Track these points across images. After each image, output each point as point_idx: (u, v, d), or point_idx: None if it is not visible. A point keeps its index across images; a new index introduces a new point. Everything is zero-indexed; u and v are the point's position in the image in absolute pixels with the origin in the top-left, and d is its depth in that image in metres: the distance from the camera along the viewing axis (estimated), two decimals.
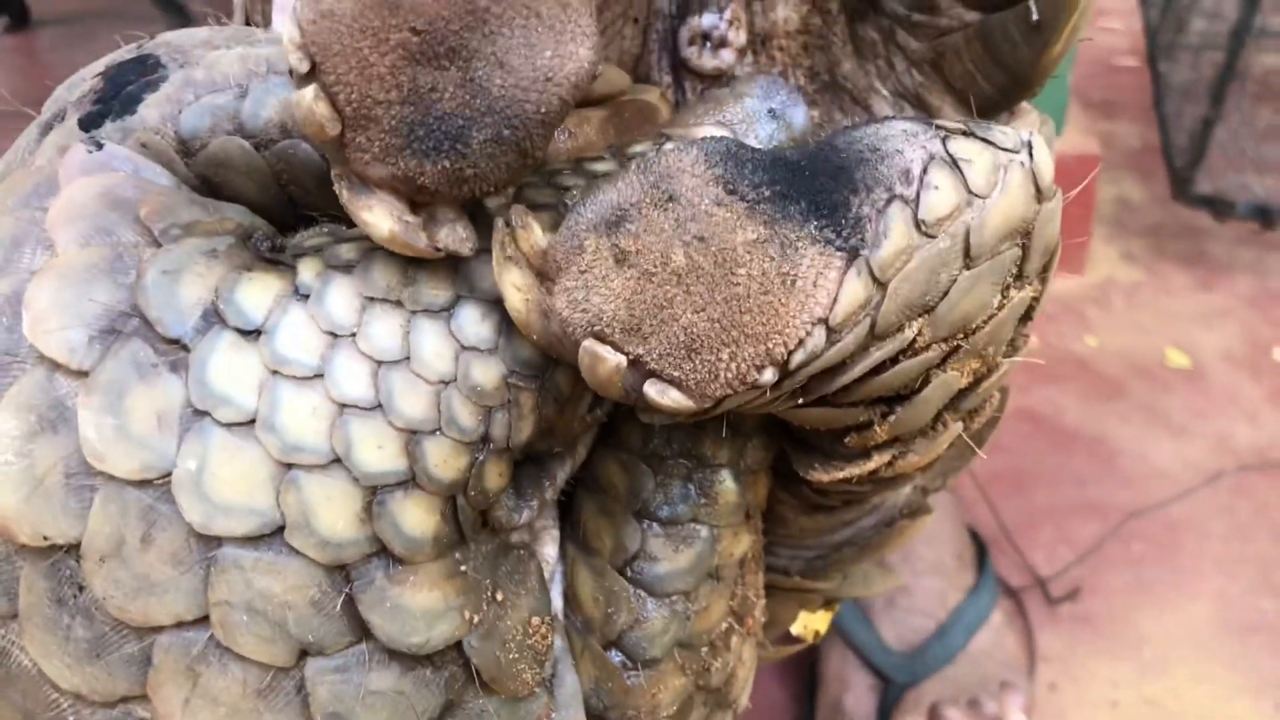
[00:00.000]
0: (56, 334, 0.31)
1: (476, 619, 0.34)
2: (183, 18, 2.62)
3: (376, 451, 0.31)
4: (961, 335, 0.31)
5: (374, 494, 0.31)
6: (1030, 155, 0.32)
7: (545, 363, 0.34)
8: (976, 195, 0.30)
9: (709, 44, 0.39)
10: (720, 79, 0.40)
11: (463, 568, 0.34)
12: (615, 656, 0.39)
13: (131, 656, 0.31)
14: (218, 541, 0.31)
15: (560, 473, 0.38)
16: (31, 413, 0.31)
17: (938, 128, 0.31)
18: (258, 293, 0.32)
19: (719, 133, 0.35)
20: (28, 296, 0.31)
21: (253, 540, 0.31)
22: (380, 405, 0.32)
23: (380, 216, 0.30)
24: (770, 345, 0.29)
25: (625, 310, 0.29)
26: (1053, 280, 0.35)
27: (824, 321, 0.29)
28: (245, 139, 0.36)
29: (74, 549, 0.30)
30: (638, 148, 0.36)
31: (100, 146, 0.35)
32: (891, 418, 0.34)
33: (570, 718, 0.38)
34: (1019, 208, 0.31)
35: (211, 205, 0.35)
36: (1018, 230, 0.31)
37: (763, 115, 0.36)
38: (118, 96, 0.37)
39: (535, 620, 0.36)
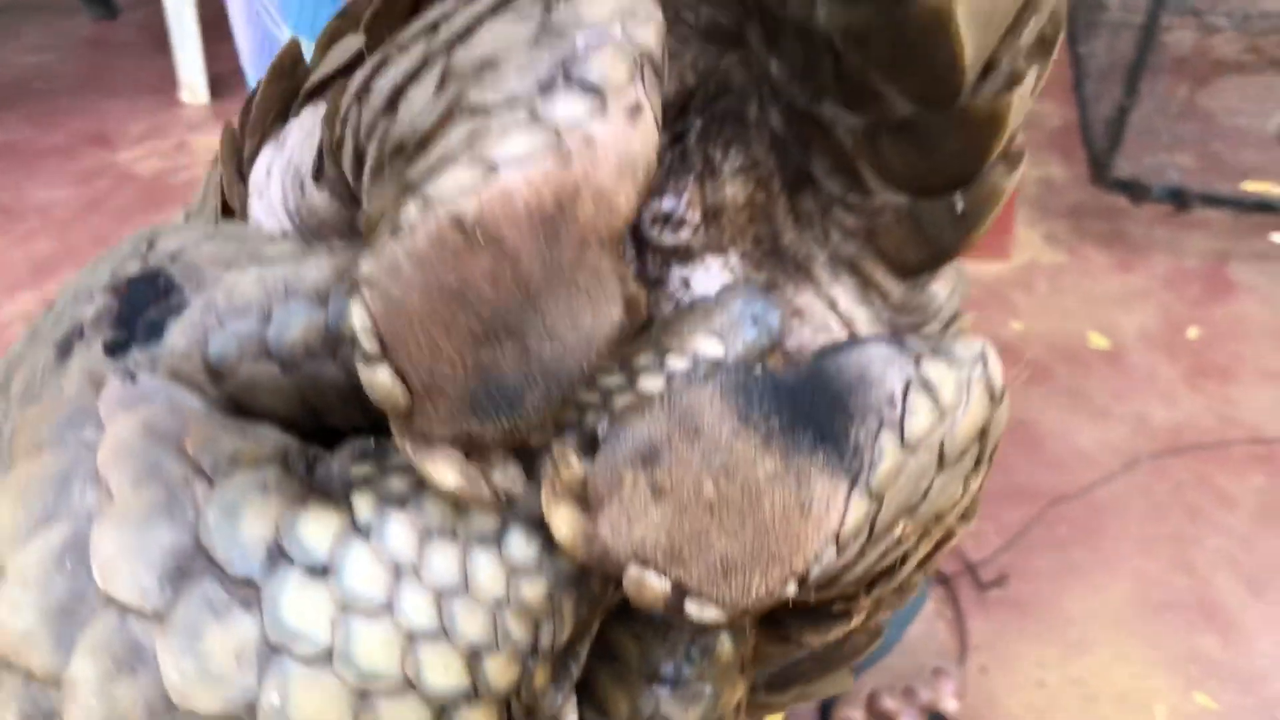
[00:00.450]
0: (127, 579, 0.33)
1: None
2: (107, 10, 2.59)
3: (444, 673, 0.34)
4: (934, 521, 0.37)
5: (442, 711, 0.34)
6: (986, 367, 0.37)
7: (582, 574, 0.37)
8: (947, 412, 0.35)
9: (669, 224, 0.43)
10: (678, 252, 0.43)
11: None
12: None
13: None
14: None
15: (583, 652, 0.41)
16: (108, 656, 0.33)
17: (910, 350, 0.36)
18: (319, 530, 0.34)
19: (712, 341, 0.39)
20: (93, 544, 0.33)
21: None
22: (444, 630, 0.34)
23: (446, 472, 0.33)
24: (793, 564, 0.33)
25: (665, 539, 0.33)
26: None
27: (835, 537, 0.33)
28: (273, 364, 0.38)
29: None
30: (642, 360, 0.39)
31: (134, 378, 0.37)
32: (875, 590, 0.39)
33: None
34: (981, 416, 0.36)
35: (247, 429, 0.37)
36: (980, 433, 0.36)
37: (746, 322, 0.40)
38: (138, 321, 0.38)
39: None
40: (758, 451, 0.33)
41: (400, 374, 0.31)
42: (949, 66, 0.35)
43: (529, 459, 0.36)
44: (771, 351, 0.40)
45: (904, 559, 0.38)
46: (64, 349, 0.39)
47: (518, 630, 0.36)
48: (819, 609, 0.41)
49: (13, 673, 0.33)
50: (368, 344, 0.31)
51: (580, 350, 0.33)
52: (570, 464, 0.34)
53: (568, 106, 0.31)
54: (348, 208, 0.42)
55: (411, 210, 0.30)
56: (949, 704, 1.08)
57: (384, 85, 0.36)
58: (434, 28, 0.36)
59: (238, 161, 0.48)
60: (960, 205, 0.40)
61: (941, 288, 0.44)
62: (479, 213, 0.30)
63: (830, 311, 0.44)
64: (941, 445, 0.35)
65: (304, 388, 0.38)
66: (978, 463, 0.37)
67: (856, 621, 0.41)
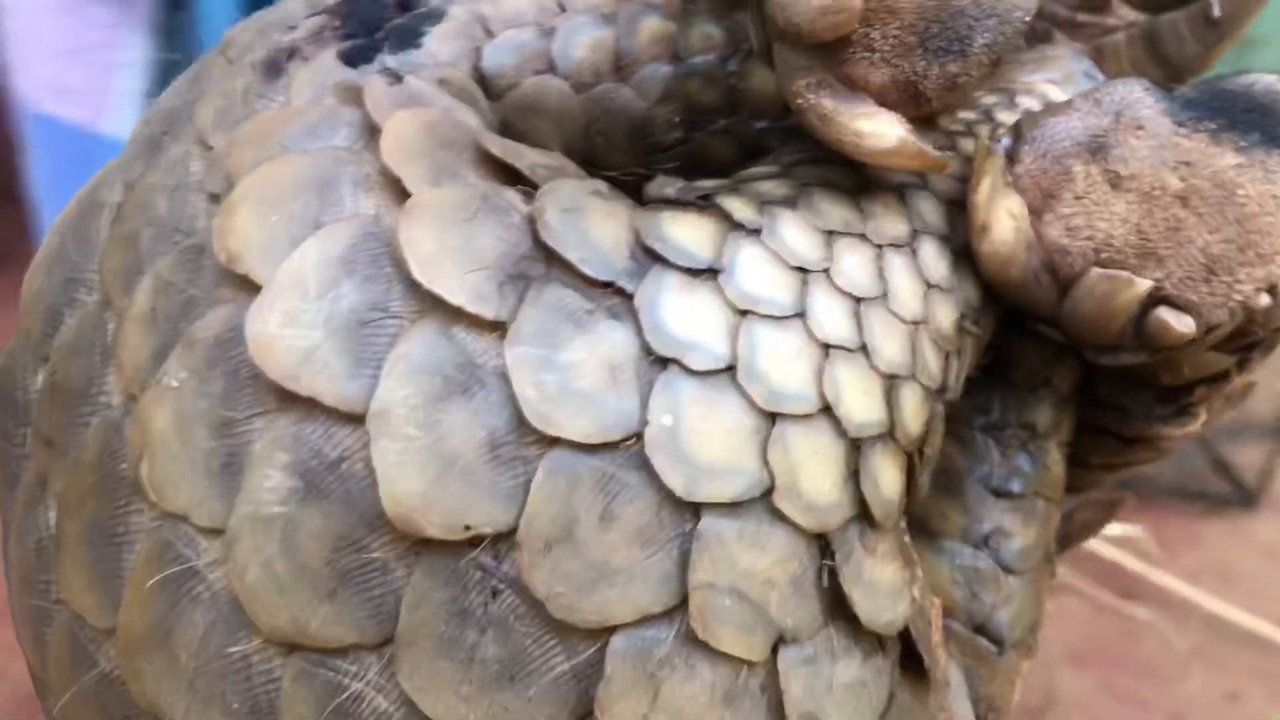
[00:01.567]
0: (456, 280, 0.26)
1: (917, 595, 0.30)
2: None
3: (863, 399, 0.28)
4: None
5: (858, 449, 0.28)
6: None
7: (987, 306, 0.32)
8: None
9: None
10: None
11: (905, 538, 0.30)
12: (982, 643, 0.36)
13: (565, 674, 0.25)
14: (697, 512, 0.26)
15: (938, 443, 0.34)
16: (435, 375, 0.25)
17: None
18: (693, 230, 0.28)
19: (1055, 89, 0.36)
20: (405, 239, 0.26)
21: (737, 507, 0.26)
22: (864, 347, 0.28)
23: (886, 123, 0.28)
24: (1273, 267, 0.29)
25: (1135, 235, 0.29)
26: None
27: None
28: (561, 79, 0.33)
29: (503, 538, 0.25)
30: (991, 98, 0.35)
31: (400, 79, 0.30)
32: (1246, 366, 0.34)
33: (961, 711, 0.34)
34: None
35: (538, 151, 0.31)
36: None
37: (1080, 75, 0.37)
38: (377, 31, 0.32)
39: (935, 602, 0.32)
40: (1211, 146, 0.29)
41: None
42: None
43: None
44: None
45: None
46: (273, 69, 0.32)
47: (933, 360, 0.30)
48: (1152, 405, 0.36)
49: (285, 411, 0.25)
50: None
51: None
52: (999, 155, 0.30)
53: None
54: None
55: None
56: None
57: None
58: None
59: None
60: (1218, 8, 0.36)
61: None
62: None
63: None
64: None
65: (592, 114, 0.33)
66: None
67: (1197, 425, 0.36)
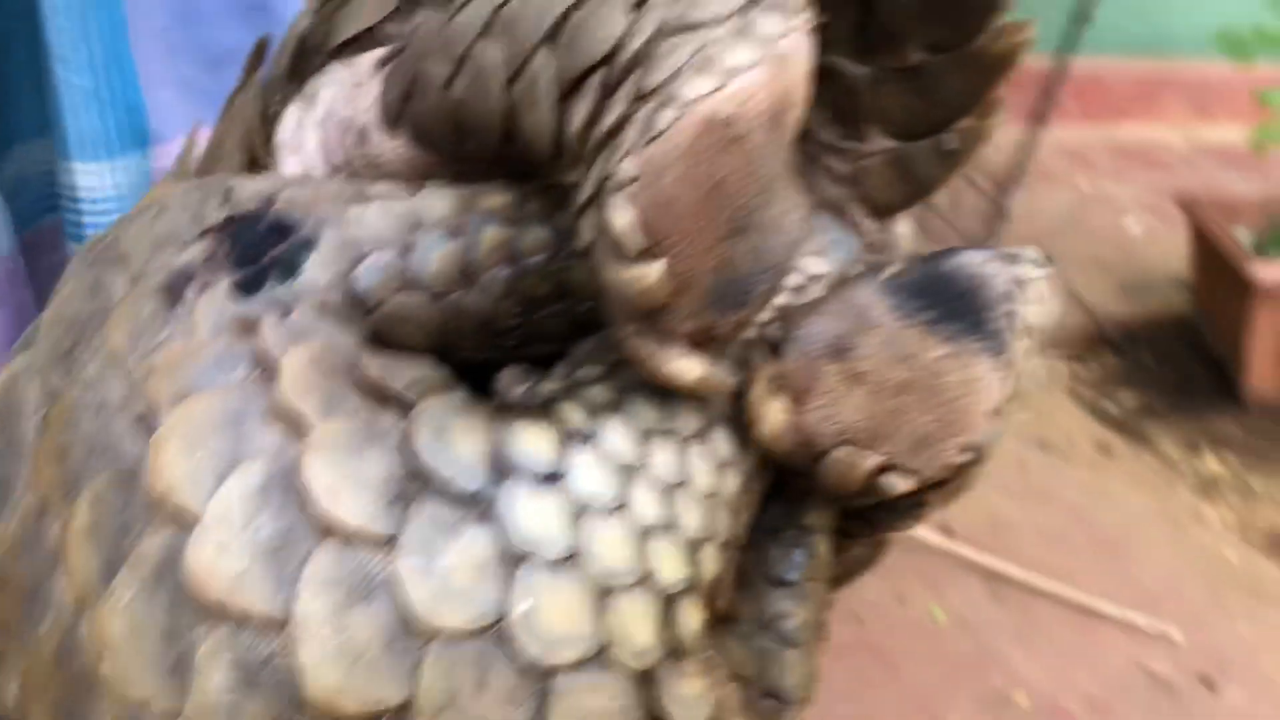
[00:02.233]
0: (351, 506, 0.32)
1: (717, 693, 0.38)
2: None
3: (673, 564, 0.35)
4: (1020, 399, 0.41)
5: (670, 602, 0.35)
6: (1048, 268, 0.42)
7: (766, 466, 0.39)
8: (1044, 303, 0.40)
9: None
10: None
11: (708, 655, 0.38)
12: (770, 705, 0.44)
13: None
14: (552, 673, 0.33)
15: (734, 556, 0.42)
16: (341, 586, 0.31)
17: (1004, 253, 0.41)
18: (538, 441, 0.35)
19: (818, 262, 0.43)
20: (307, 474, 0.32)
21: (580, 664, 0.33)
22: (673, 524, 0.36)
23: (692, 365, 0.35)
24: (970, 435, 0.38)
25: (868, 420, 0.37)
26: None
27: (995, 410, 0.38)
28: (422, 293, 0.38)
29: (403, 709, 0.31)
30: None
31: (288, 311, 0.36)
32: (964, 477, 0.42)
33: None
34: (1058, 308, 0.41)
35: (409, 360, 0.36)
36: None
37: (833, 244, 0.45)
38: (264, 259, 0.37)
39: (732, 690, 0.40)
40: (927, 338, 0.37)
41: (666, 265, 0.33)
42: (989, 8, 0.41)
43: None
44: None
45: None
46: (172, 294, 0.36)
47: (725, 521, 0.38)
48: (904, 503, 0.44)
49: (223, 621, 0.31)
50: (634, 241, 0.32)
51: (792, 244, 0.36)
52: (773, 361, 0.37)
53: (768, 22, 0.34)
54: (431, 145, 0.43)
55: (667, 114, 0.32)
56: None
57: (529, 16, 0.38)
58: None
59: (262, 119, 0.48)
60: (952, 143, 0.45)
61: (904, 228, 0.51)
62: (729, 111, 0.33)
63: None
64: (1039, 337, 0.40)
65: (447, 316, 0.39)
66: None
67: (929, 514, 0.44)
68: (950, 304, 0.38)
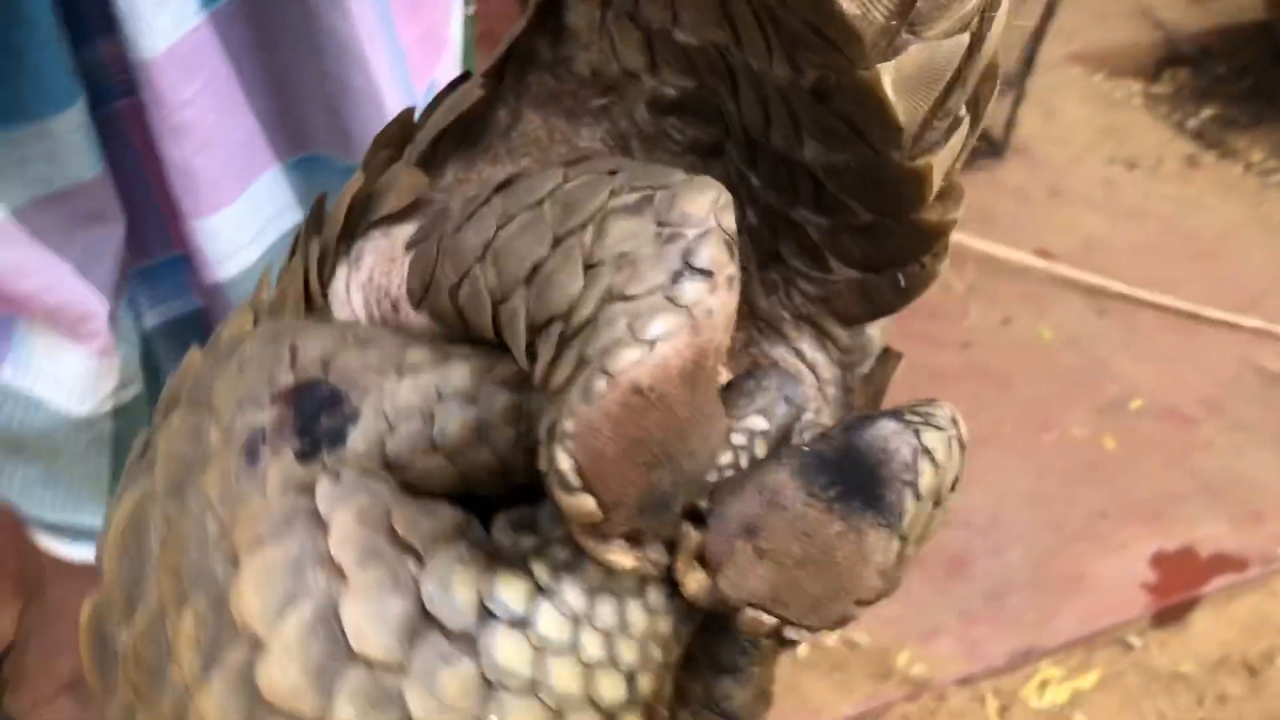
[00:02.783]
0: (374, 641, 0.43)
1: None
2: None
3: (612, 689, 0.46)
4: (926, 541, 0.48)
5: (610, 715, 0.46)
6: (958, 426, 0.48)
7: (692, 610, 0.47)
8: (941, 467, 0.46)
9: None
10: None
11: None
12: None
13: None
14: None
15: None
16: (364, 699, 0.43)
17: (912, 423, 0.46)
18: (513, 592, 0.45)
19: (760, 420, 0.51)
20: (343, 617, 0.43)
21: None
22: (612, 660, 0.46)
23: (623, 558, 0.44)
24: (859, 597, 0.45)
25: (770, 589, 0.45)
26: None
27: (882, 573, 0.45)
28: (440, 456, 0.48)
29: None
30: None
31: (339, 477, 0.47)
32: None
33: None
34: (957, 467, 0.47)
35: (431, 508, 0.47)
36: (957, 478, 0.47)
37: (781, 401, 0.51)
38: (317, 429, 0.48)
39: None
40: (826, 516, 0.45)
41: (596, 498, 0.42)
42: (915, 199, 0.47)
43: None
44: (795, 420, 0.51)
45: (900, 576, 0.49)
46: (251, 454, 0.48)
47: (657, 653, 0.47)
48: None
49: (283, 717, 0.44)
50: (573, 480, 0.42)
51: (709, 459, 0.45)
52: (692, 538, 0.45)
53: (693, 289, 0.42)
54: (448, 328, 0.52)
55: (600, 383, 0.41)
56: None
57: (514, 256, 0.47)
58: (539, 203, 0.47)
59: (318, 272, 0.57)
60: (903, 281, 0.52)
61: (875, 331, 0.57)
62: (650, 380, 0.41)
63: (798, 359, 0.57)
64: (938, 492, 0.47)
65: (463, 470, 0.48)
66: (951, 493, 0.49)
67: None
68: (853, 481, 0.45)
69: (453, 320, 0.52)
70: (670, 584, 0.48)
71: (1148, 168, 2.35)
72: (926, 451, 0.47)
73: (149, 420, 0.86)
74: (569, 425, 0.42)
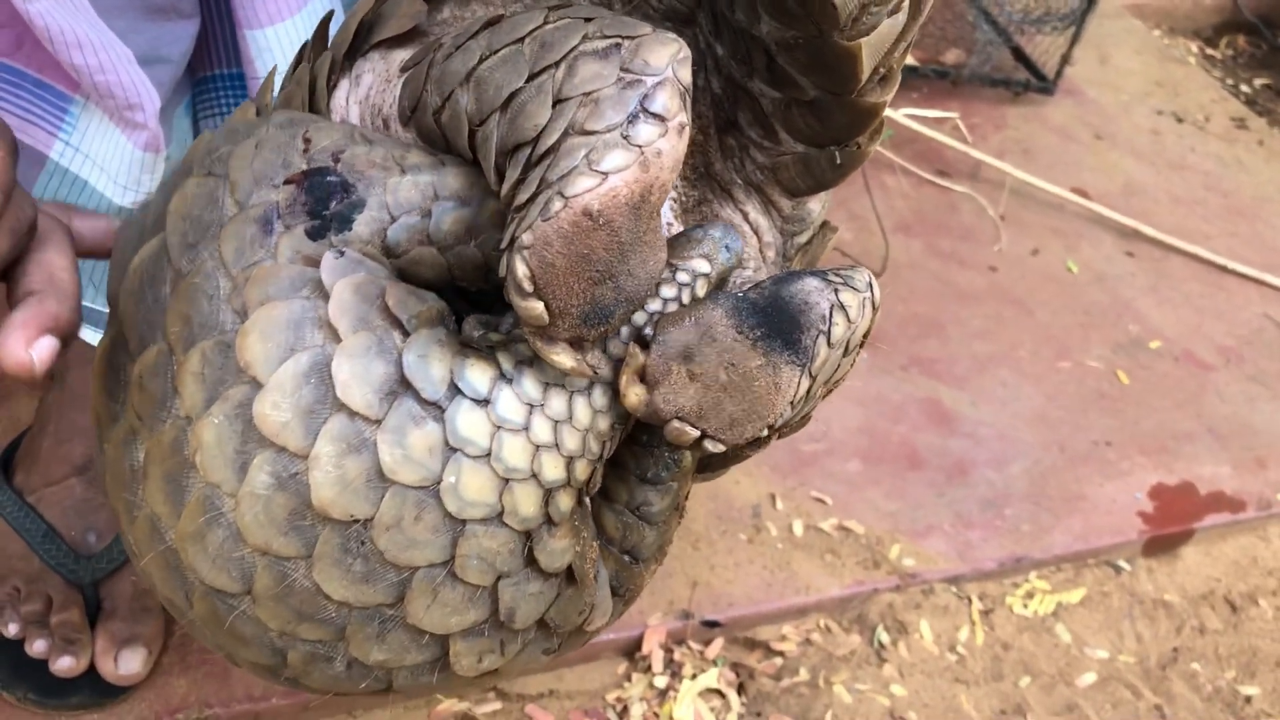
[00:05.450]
0: (356, 395, 0.49)
1: (578, 549, 0.56)
2: None
3: (551, 470, 0.53)
4: (832, 385, 0.57)
5: (549, 491, 0.53)
6: (873, 290, 0.56)
7: (628, 415, 0.55)
8: (853, 322, 0.54)
9: None
10: None
11: (575, 523, 0.56)
12: (626, 559, 0.63)
13: (392, 583, 0.51)
14: (463, 523, 0.51)
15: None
16: (342, 441, 0.49)
17: (833, 282, 0.54)
18: (480, 376, 0.51)
19: (703, 262, 0.57)
20: (334, 368, 0.49)
21: (484, 520, 0.52)
22: (556, 444, 0.52)
23: (565, 359, 0.50)
24: (770, 420, 0.52)
25: (696, 406, 0.52)
26: None
27: (791, 403, 0.52)
28: (432, 247, 0.54)
29: (366, 522, 0.50)
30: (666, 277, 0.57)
31: (342, 253, 0.52)
32: (784, 432, 0.58)
33: (604, 595, 0.62)
34: (867, 323, 0.56)
35: (419, 293, 0.52)
36: (867, 333, 0.56)
37: (722, 249, 0.57)
38: (326, 212, 0.53)
39: (594, 544, 0.59)
40: (750, 351, 0.52)
41: (545, 303, 0.48)
42: (850, 76, 0.53)
43: (603, 348, 0.55)
44: (735, 267, 0.60)
45: (808, 409, 0.59)
46: (265, 226, 0.53)
47: (594, 446, 0.55)
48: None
49: (271, 448, 0.50)
50: (527, 286, 0.48)
51: (647, 281, 0.51)
52: (637, 358, 0.53)
53: (646, 131, 0.48)
54: (432, 143, 0.58)
55: (556, 204, 0.47)
56: None
57: (492, 84, 0.52)
58: (520, 41, 0.52)
59: (310, 84, 0.63)
60: (839, 158, 0.60)
61: (815, 205, 0.65)
62: (600, 206, 0.47)
63: (744, 221, 0.65)
64: (847, 342, 0.55)
65: (451, 262, 0.55)
66: (860, 348, 0.58)
67: (765, 448, 0.61)
68: (777, 325, 0.52)
69: (436, 139, 0.57)
70: (612, 389, 0.55)
71: (1195, 123, 2.33)
72: (842, 307, 0.55)
73: None
74: (526, 238, 0.48)
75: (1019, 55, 2.28)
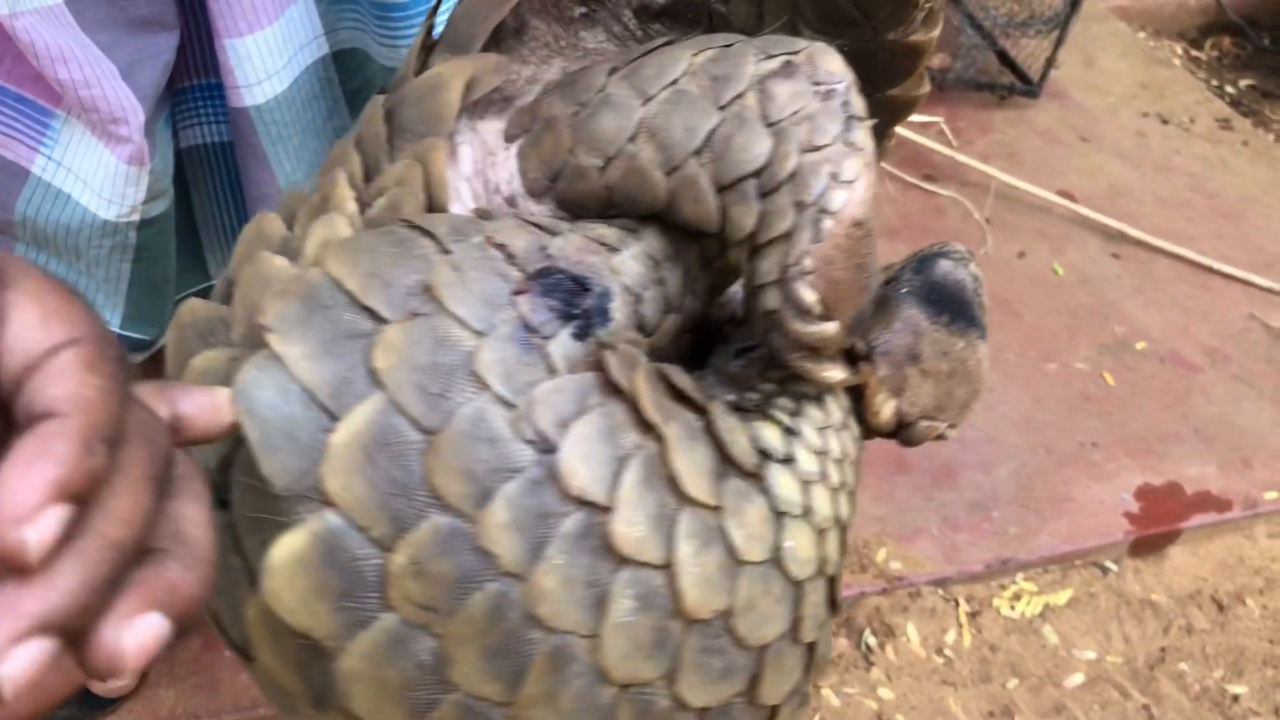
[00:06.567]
0: (702, 486, 0.48)
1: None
2: None
3: (845, 507, 0.53)
4: None
5: (822, 533, 0.52)
6: (972, 261, 0.59)
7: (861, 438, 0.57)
8: (984, 284, 0.59)
9: None
10: None
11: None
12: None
13: (747, 669, 0.50)
14: (800, 584, 0.51)
15: None
16: (696, 538, 0.48)
17: (958, 258, 0.57)
18: (773, 435, 0.51)
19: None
20: (670, 464, 0.47)
21: (812, 578, 0.51)
22: (842, 485, 0.53)
23: (840, 371, 0.52)
24: (984, 392, 0.57)
25: (934, 401, 0.55)
26: None
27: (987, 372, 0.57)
28: (674, 312, 0.56)
29: (725, 613, 0.48)
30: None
31: (616, 350, 0.49)
32: None
33: None
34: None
35: (678, 368, 0.51)
36: None
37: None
38: (577, 311, 0.49)
39: None
40: (953, 337, 0.56)
41: (838, 321, 0.50)
42: (906, 6, 0.57)
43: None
44: None
45: None
46: (524, 345, 0.48)
47: (850, 475, 0.54)
48: None
49: (630, 567, 0.46)
50: (817, 309, 0.49)
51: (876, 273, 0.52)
52: (873, 374, 0.55)
53: (860, 133, 0.50)
54: (571, 212, 0.56)
55: (827, 222, 0.48)
56: None
57: (677, 128, 0.51)
58: (674, 83, 0.52)
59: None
60: (894, 104, 0.64)
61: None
62: (863, 213, 0.49)
63: None
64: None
65: (685, 322, 0.56)
66: None
67: None
68: (952, 307, 0.56)
69: (593, 202, 0.54)
70: (855, 415, 0.57)
71: (1180, 125, 2.34)
72: (975, 276, 0.59)
73: (174, 236, 0.88)
74: (808, 263, 0.49)
75: (1004, 59, 2.29)
